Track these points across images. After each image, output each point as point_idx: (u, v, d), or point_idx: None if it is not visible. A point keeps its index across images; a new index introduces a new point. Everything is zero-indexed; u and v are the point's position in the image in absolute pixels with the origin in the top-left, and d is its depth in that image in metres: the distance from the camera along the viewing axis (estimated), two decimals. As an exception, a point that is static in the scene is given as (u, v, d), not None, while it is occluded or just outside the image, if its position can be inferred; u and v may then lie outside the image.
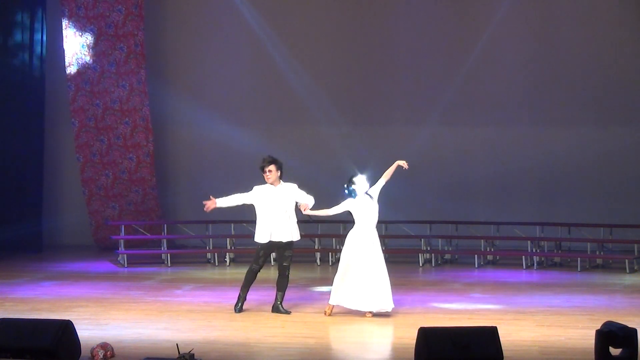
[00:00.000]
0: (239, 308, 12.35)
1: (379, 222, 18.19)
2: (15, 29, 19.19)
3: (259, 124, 19.79)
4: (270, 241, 12.23)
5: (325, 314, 12.10)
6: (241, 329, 11.33)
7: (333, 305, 12.11)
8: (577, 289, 14.48)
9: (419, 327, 9.13)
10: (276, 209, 12.17)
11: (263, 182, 12.28)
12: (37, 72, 19.34)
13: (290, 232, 12.26)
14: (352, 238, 12.08)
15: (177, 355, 9.13)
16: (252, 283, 12.41)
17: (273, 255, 17.48)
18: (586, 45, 18.90)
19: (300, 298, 13.49)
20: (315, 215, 12.44)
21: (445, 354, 8.76)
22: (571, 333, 10.93)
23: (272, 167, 12.17)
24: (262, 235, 12.24)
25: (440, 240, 17.88)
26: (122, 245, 17.72)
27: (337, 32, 19.63)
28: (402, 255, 17.96)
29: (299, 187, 12.33)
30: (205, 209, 12.35)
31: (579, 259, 16.76)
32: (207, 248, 18.17)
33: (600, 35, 18.85)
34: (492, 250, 17.71)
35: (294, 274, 13.10)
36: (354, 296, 11.93)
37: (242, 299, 12.39)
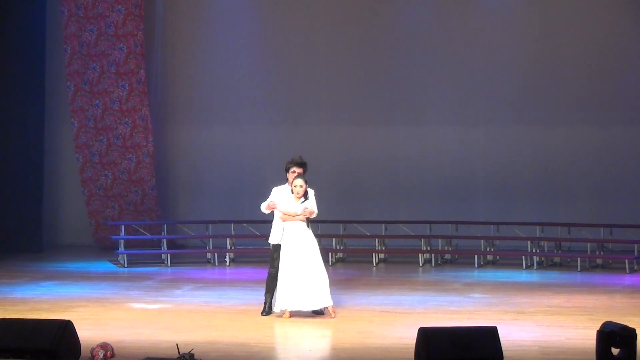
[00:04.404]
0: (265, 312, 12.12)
1: (380, 222, 18.44)
2: (15, 28, 19.15)
3: (258, 123, 19.77)
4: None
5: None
6: (241, 329, 11.32)
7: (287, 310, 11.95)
8: (577, 289, 14.48)
9: (419, 327, 9.14)
10: None
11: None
12: (36, 71, 19.31)
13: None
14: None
15: (177, 355, 9.13)
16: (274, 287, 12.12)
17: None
18: (586, 45, 18.87)
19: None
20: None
21: (445, 354, 8.76)
22: (571, 333, 10.94)
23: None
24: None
25: (440, 240, 17.86)
26: (122, 245, 17.70)
27: (336, 32, 19.59)
28: (402, 255, 17.95)
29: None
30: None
31: (579, 259, 16.74)
32: (207, 248, 18.15)
33: (600, 35, 18.83)
34: (492, 250, 17.69)
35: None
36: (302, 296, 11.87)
37: (267, 303, 12.18)
